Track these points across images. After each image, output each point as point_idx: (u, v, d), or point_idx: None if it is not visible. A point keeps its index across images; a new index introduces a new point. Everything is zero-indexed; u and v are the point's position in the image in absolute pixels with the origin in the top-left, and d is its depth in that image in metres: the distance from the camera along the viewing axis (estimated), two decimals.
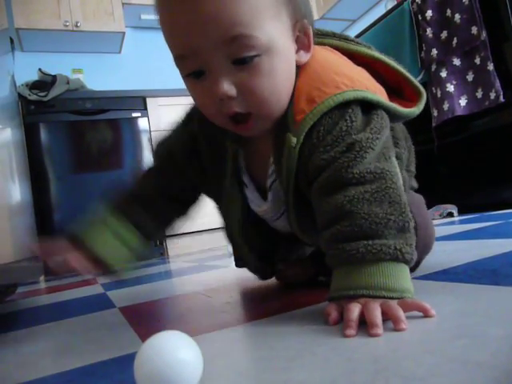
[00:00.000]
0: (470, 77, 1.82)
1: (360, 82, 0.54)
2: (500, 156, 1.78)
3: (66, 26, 2.89)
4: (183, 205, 0.73)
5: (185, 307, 0.78)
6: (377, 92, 0.55)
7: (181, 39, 0.48)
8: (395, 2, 2.53)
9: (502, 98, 1.68)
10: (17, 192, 1.36)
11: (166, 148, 0.70)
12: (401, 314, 0.42)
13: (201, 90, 0.51)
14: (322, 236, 0.53)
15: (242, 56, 0.47)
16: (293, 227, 0.63)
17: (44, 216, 2.41)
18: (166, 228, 0.73)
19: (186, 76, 0.51)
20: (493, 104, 1.72)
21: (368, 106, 0.54)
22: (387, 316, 0.43)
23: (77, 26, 2.90)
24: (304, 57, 0.55)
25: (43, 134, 2.48)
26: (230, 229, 0.70)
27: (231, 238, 0.72)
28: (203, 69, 0.49)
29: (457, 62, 1.86)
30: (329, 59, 0.57)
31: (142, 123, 2.71)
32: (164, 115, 2.76)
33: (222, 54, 0.47)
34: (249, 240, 0.69)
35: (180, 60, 0.50)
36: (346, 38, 0.62)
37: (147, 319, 0.72)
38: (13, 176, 1.32)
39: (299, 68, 0.55)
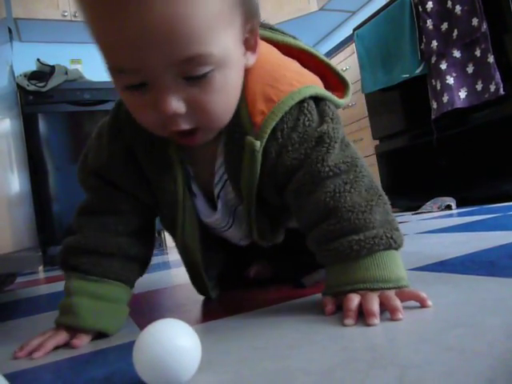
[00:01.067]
0: (470, 69, 1.82)
1: (306, 77, 0.54)
2: (499, 149, 1.78)
3: (65, 16, 2.87)
4: (145, 236, 0.63)
5: (183, 297, 0.79)
6: (318, 85, 0.55)
7: (123, 53, 0.40)
8: None
9: (501, 91, 1.68)
10: (16, 182, 1.36)
11: (99, 174, 0.61)
12: (398, 303, 0.43)
13: (142, 103, 0.44)
14: (308, 237, 0.53)
15: (195, 74, 0.42)
16: (253, 234, 0.61)
17: (43, 206, 2.42)
18: (146, 265, 0.64)
19: (124, 88, 0.44)
20: (493, 96, 1.72)
21: (317, 99, 0.54)
22: (384, 306, 0.43)
23: (75, 16, 2.89)
24: (251, 59, 0.50)
25: (42, 125, 2.48)
26: (185, 248, 0.62)
27: (187, 255, 0.64)
28: (146, 82, 0.42)
29: (457, 54, 1.85)
30: (273, 55, 0.55)
31: None
32: None
33: (173, 71, 0.41)
34: (207, 253, 0.64)
35: (118, 73, 0.43)
36: (272, 28, 0.60)
37: (146, 309, 0.73)
38: (12, 166, 1.32)
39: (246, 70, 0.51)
